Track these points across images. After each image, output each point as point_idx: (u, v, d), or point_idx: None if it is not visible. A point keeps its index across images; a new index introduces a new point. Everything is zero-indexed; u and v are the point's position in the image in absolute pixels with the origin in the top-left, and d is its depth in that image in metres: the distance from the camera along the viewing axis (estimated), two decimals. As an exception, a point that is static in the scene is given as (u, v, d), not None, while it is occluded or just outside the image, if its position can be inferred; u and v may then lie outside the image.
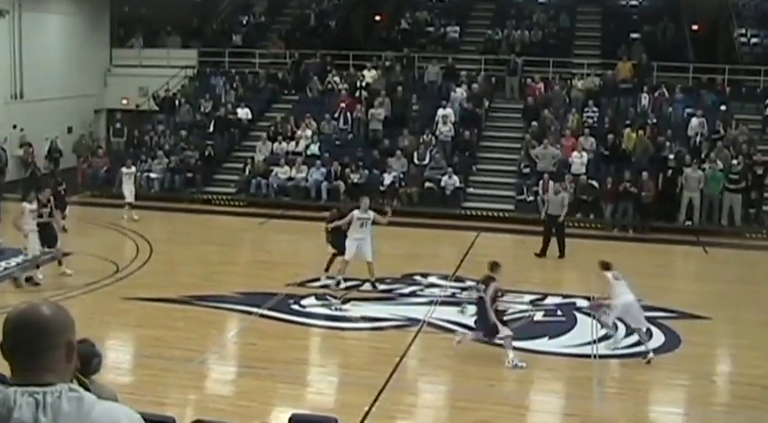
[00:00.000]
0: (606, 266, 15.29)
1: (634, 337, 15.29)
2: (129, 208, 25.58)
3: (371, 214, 18.75)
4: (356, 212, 18.60)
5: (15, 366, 2.88)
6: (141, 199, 26.39)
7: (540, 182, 25.60)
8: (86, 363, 6.71)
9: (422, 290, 18.68)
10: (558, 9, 36.39)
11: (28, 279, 18.44)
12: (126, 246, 22.58)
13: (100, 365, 7.30)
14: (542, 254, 22.11)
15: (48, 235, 18.85)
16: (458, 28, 36.14)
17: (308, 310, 17.17)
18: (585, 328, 16.24)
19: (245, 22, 38.24)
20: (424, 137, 29.10)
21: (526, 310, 17.26)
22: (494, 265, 14.66)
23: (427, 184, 27.63)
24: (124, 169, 26.38)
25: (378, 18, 39.26)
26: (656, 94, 30.11)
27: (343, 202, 23.06)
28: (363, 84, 32.49)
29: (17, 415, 2.75)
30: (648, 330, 15.44)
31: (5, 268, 19.23)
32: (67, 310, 2.97)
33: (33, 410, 2.76)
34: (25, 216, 18.29)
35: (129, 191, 25.80)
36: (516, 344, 15.07)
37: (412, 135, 29.36)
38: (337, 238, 18.84)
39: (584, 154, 27.42)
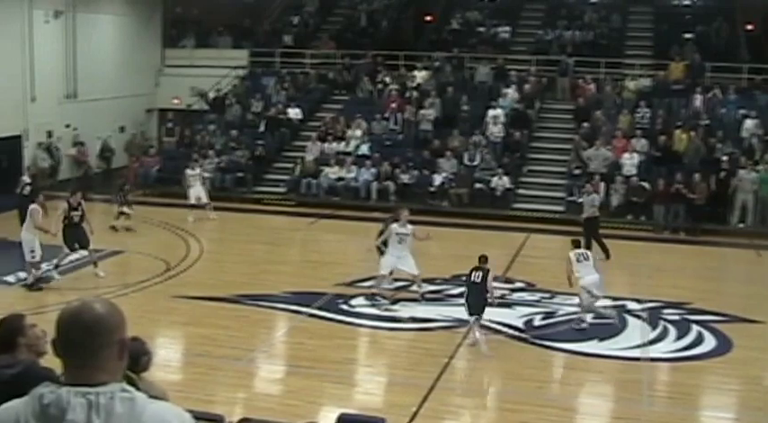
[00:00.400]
0: (576, 245, 16.92)
1: (685, 341, 15.23)
2: (192, 209, 25.77)
3: (411, 229, 17.80)
4: (395, 226, 17.75)
5: (68, 364, 2.89)
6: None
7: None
8: (136, 360, 6.76)
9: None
10: (609, 9, 36.06)
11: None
12: (176, 244, 22.78)
13: (150, 363, 7.35)
14: None
15: (81, 237, 19.12)
16: (508, 28, 35.92)
17: (356, 310, 17.22)
18: (635, 330, 16.16)
19: (295, 22, 38.36)
20: (475, 137, 29.02)
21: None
22: (483, 258, 15.48)
23: (477, 185, 27.55)
24: (188, 171, 26.58)
25: (428, 18, 39.14)
26: (709, 95, 29.74)
27: (394, 203, 22.76)
28: (414, 84, 32.50)
29: (71, 416, 2.76)
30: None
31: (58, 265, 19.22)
32: (120, 308, 2.98)
33: (86, 412, 2.77)
34: (37, 218, 18.07)
35: (193, 193, 26.02)
36: (566, 346, 15.08)
37: (462, 136, 29.27)
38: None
39: (636, 155, 27.20)
